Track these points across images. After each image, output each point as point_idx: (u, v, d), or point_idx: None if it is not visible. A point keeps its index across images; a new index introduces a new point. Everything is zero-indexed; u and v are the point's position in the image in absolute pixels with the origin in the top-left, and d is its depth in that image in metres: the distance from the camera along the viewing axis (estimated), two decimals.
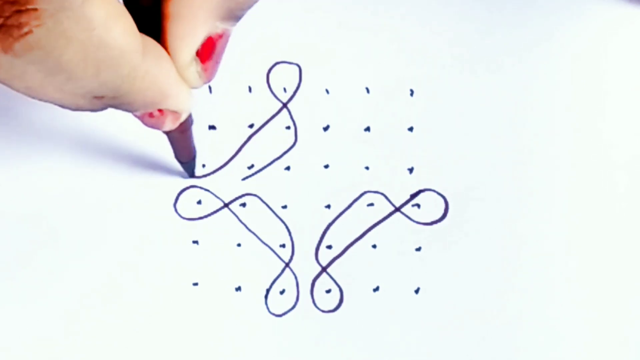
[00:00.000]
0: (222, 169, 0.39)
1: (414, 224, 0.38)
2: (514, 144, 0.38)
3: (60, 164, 0.39)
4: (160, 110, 0.28)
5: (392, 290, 0.37)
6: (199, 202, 0.38)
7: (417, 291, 0.37)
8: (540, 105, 0.39)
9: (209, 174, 0.39)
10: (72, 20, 0.23)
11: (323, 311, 0.37)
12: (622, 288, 0.37)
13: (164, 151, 0.38)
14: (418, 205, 0.38)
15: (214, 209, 0.38)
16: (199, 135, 0.39)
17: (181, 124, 0.30)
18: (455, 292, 0.37)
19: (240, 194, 0.38)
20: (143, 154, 0.39)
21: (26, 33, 0.23)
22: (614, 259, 0.37)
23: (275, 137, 0.39)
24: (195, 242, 0.38)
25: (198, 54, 0.28)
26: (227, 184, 0.38)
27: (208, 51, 0.28)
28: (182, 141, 0.35)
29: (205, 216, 0.38)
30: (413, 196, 0.38)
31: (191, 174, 0.38)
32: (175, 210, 0.38)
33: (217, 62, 0.28)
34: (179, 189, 0.38)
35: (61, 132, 0.39)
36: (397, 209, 0.38)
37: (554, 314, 0.36)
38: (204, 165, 0.39)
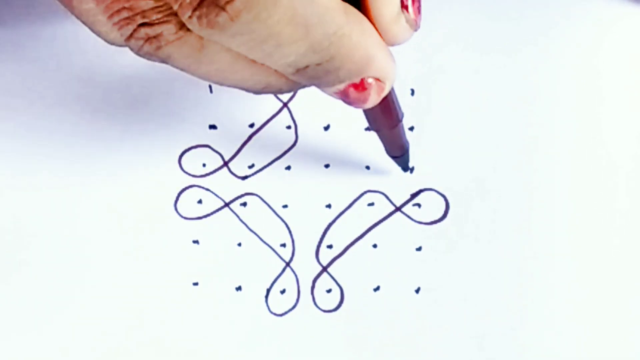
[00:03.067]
0: (223, 169, 0.39)
1: (415, 223, 0.38)
2: (514, 143, 0.38)
3: (60, 163, 0.39)
4: (361, 84, 0.27)
5: (393, 290, 0.37)
6: (200, 202, 0.38)
7: (417, 291, 0.37)
8: (541, 105, 0.39)
9: (209, 174, 0.39)
10: None
11: (324, 311, 0.37)
12: (623, 288, 0.37)
13: (165, 151, 0.38)
14: (419, 205, 0.38)
15: (215, 209, 0.38)
16: (200, 135, 0.39)
17: (391, 119, 0.30)
18: (456, 291, 0.37)
19: (240, 194, 0.38)
20: (143, 153, 0.39)
21: None
22: (614, 259, 0.37)
23: (276, 136, 0.39)
24: (196, 241, 0.38)
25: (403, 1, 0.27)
26: (228, 184, 0.38)
27: None
28: (393, 136, 0.35)
29: (206, 216, 0.38)
30: (413, 196, 0.38)
31: (405, 167, 0.38)
32: (176, 209, 0.38)
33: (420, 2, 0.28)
34: (179, 189, 0.38)
35: (61, 131, 0.39)
36: (398, 209, 0.38)
37: (554, 313, 0.36)
38: (204, 165, 0.39)
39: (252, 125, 0.39)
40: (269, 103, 0.39)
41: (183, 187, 0.38)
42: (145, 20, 0.25)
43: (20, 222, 0.38)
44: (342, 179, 0.38)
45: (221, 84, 0.27)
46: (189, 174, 0.39)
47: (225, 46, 0.25)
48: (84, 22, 0.26)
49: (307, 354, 0.36)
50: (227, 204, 0.38)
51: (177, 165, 0.39)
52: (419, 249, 0.37)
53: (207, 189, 0.38)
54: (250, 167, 0.39)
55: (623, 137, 0.38)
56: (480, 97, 0.39)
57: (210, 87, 0.39)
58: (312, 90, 0.39)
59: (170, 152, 0.39)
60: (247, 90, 0.27)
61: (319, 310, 0.37)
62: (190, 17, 0.24)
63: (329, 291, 0.37)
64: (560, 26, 0.40)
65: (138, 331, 0.37)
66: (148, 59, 0.26)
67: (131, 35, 0.26)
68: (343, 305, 0.37)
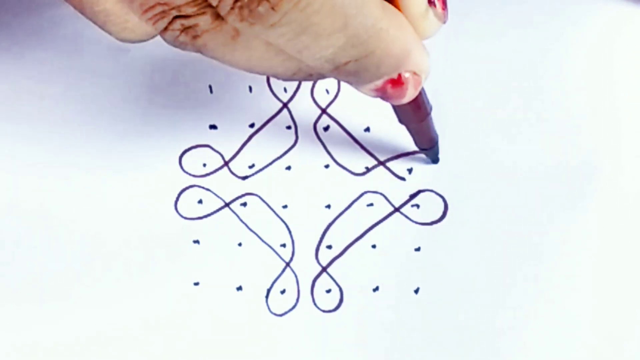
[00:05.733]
0: (223, 168, 0.39)
1: (414, 224, 0.38)
2: (514, 144, 0.39)
3: (60, 163, 0.39)
4: (399, 79, 0.27)
5: (392, 290, 0.37)
6: (200, 202, 0.38)
7: (416, 291, 0.37)
8: (541, 105, 0.39)
9: (209, 174, 0.39)
10: None
11: (323, 311, 0.37)
12: (623, 288, 0.37)
13: (165, 151, 0.39)
14: (417, 206, 0.38)
15: (215, 209, 0.38)
16: (200, 135, 0.39)
17: (420, 112, 0.30)
18: (455, 292, 0.37)
19: (241, 194, 0.39)
20: (143, 153, 0.39)
21: None
22: (615, 259, 0.37)
23: (276, 136, 0.39)
24: (196, 241, 0.38)
25: None
26: (228, 184, 0.39)
27: None
28: (423, 129, 0.35)
29: (206, 216, 0.38)
30: (412, 196, 0.38)
31: (434, 159, 0.38)
32: (176, 209, 0.38)
33: None
34: (179, 189, 0.39)
35: (61, 131, 0.39)
36: (397, 209, 0.38)
37: (553, 313, 0.36)
38: (204, 165, 0.39)
39: (252, 125, 0.39)
40: (269, 103, 0.39)
41: (183, 187, 0.39)
42: (181, 13, 0.25)
43: (19, 222, 0.38)
44: (342, 179, 0.39)
45: (251, 71, 0.27)
46: (189, 174, 0.39)
47: (262, 38, 0.25)
48: (95, 23, 0.27)
49: (307, 354, 0.36)
50: (227, 204, 0.38)
51: (178, 165, 0.39)
52: (417, 249, 0.38)
53: (208, 189, 0.39)
54: (251, 167, 0.39)
55: (629, 138, 0.38)
56: (480, 97, 0.39)
57: (210, 87, 0.40)
58: (312, 91, 0.40)
59: (170, 152, 0.39)
60: (277, 76, 0.27)
61: (319, 311, 0.37)
62: (231, 8, 0.24)
63: (328, 291, 0.37)
64: (563, 27, 0.40)
65: (138, 331, 0.37)
66: (183, 48, 0.27)
67: (166, 28, 0.26)
68: (342, 305, 0.37)
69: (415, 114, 0.34)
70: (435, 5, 0.28)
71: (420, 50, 0.28)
